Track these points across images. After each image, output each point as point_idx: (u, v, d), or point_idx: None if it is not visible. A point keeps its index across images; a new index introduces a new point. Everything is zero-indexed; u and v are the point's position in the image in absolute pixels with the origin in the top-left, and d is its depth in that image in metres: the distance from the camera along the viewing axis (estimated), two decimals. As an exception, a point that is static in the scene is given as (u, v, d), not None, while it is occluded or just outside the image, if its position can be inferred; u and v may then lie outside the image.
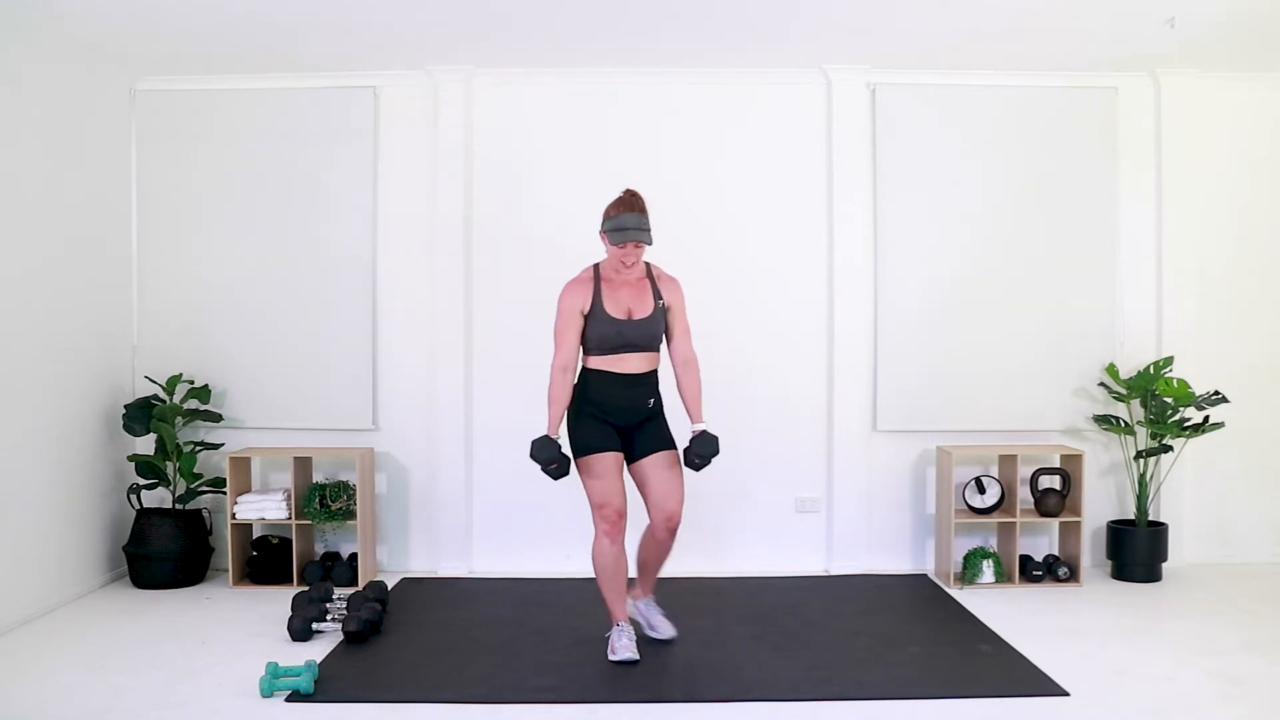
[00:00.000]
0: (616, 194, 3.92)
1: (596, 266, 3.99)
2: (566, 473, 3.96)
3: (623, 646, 3.93)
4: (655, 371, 4.00)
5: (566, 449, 3.97)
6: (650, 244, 3.86)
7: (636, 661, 3.89)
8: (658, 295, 3.94)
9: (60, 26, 4.64)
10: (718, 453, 3.94)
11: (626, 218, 3.80)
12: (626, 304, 3.90)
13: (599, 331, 3.89)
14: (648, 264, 3.99)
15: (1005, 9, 4.50)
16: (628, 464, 4.01)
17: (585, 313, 3.91)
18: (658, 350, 3.99)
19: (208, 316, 5.41)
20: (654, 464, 3.95)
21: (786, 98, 5.40)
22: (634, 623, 4.11)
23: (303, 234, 5.39)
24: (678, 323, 4.00)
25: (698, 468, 3.96)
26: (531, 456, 3.90)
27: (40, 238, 4.65)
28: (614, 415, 3.94)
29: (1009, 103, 5.39)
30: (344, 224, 5.39)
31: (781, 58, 5.21)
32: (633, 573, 4.19)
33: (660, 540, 4.02)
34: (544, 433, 3.93)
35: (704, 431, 3.95)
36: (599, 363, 3.94)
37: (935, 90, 5.38)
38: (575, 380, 3.98)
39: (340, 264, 5.39)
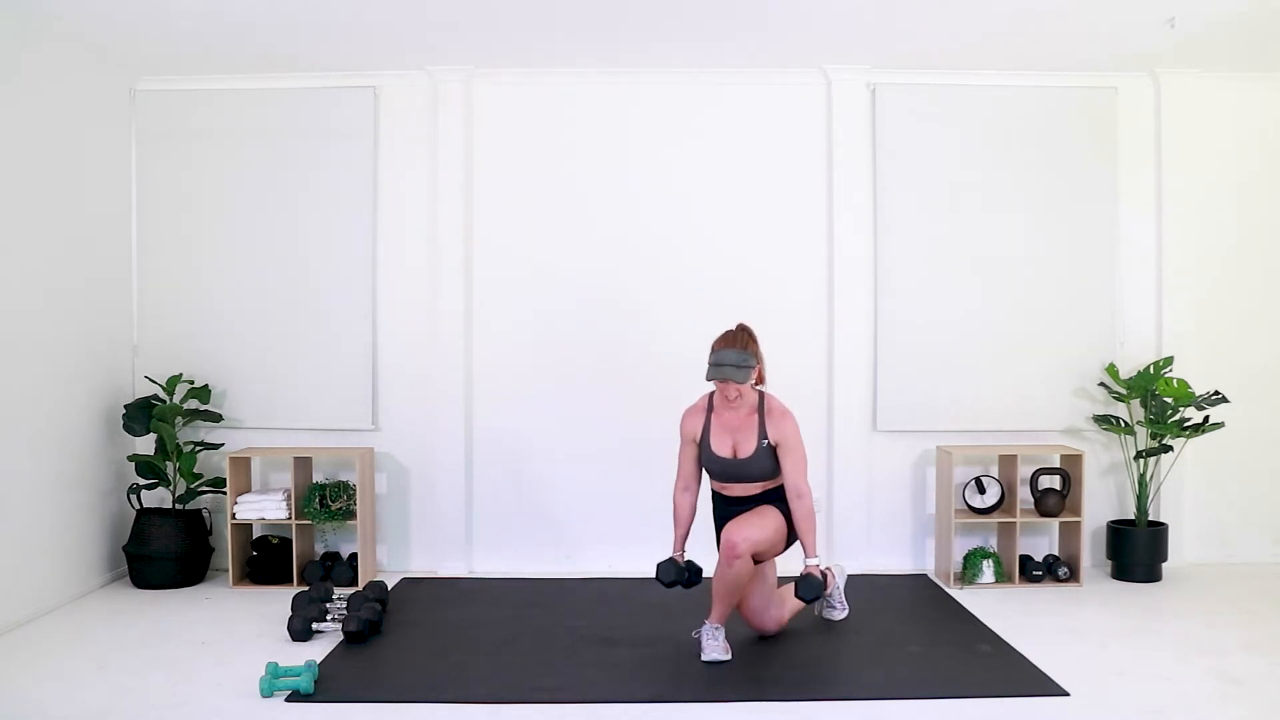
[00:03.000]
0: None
1: (712, 394, 4.06)
2: (697, 581, 4.11)
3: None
4: (771, 489, 4.04)
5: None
6: (745, 382, 3.88)
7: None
8: (763, 433, 3.96)
9: (60, 27, 4.65)
10: (819, 596, 3.93)
11: (725, 354, 3.87)
12: (732, 441, 3.99)
13: (708, 464, 4.05)
14: (762, 394, 4.03)
15: (1005, 9, 4.50)
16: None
17: (697, 441, 4.04)
18: (773, 478, 4.02)
19: (208, 316, 5.41)
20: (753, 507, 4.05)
21: (786, 98, 5.40)
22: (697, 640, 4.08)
23: (303, 234, 5.39)
24: (788, 457, 3.97)
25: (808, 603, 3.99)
26: (657, 579, 4.03)
27: (40, 238, 4.65)
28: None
29: (1009, 103, 5.39)
30: (344, 224, 5.39)
31: (781, 58, 5.21)
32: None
33: (720, 565, 3.96)
34: (669, 553, 4.11)
35: (807, 574, 3.90)
36: (715, 485, 4.12)
37: (935, 90, 5.38)
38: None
39: (340, 264, 5.39)
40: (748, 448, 3.97)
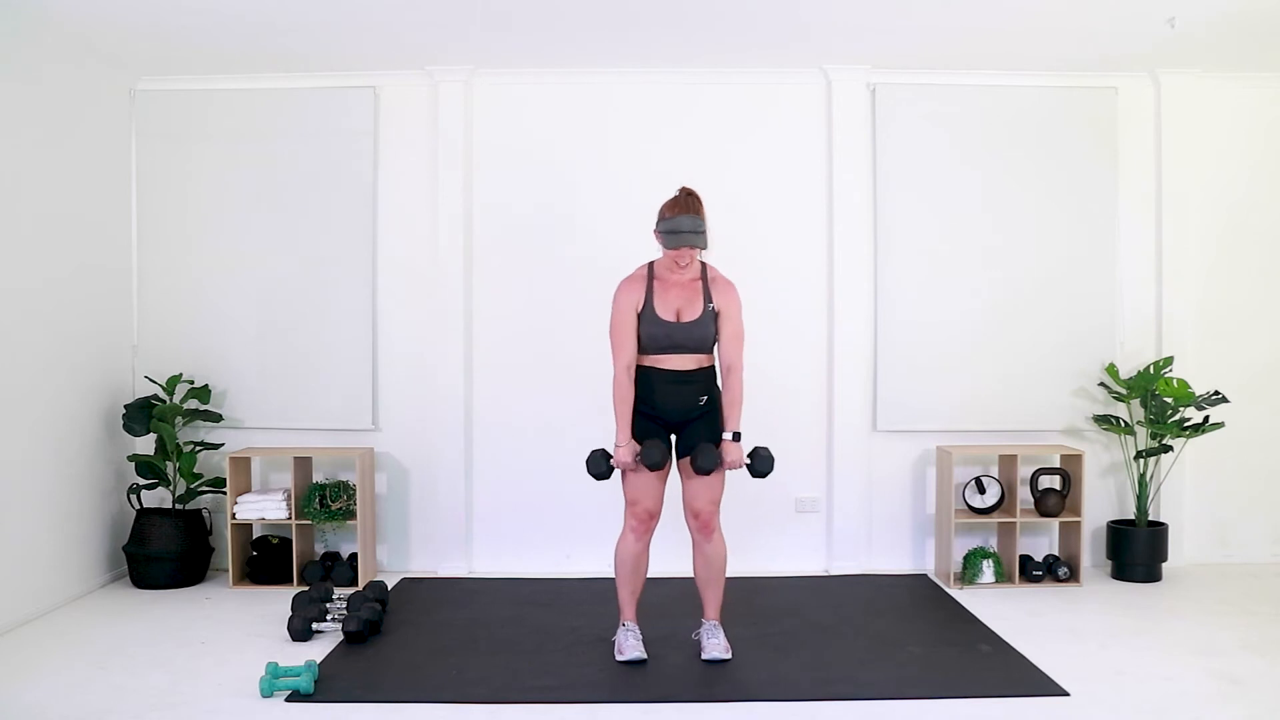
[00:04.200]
0: (672, 192, 3.87)
1: (651, 265, 3.95)
2: (610, 475, 3.92)
3: (630, 646, 3.92)
4: (707, 369, 3.93)
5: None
6: (704, 248, 3.82)
7: (644, 661, 3.89)
8: (709, 298, 3.87)
9: (60, 26, 4.65)
10: (711, 469, 3.81)
11: (681, 220, 3.76)
12: (676, 305, 3.86)
13: (648, 331, 3.87)
14: (704, 264, 3.95)
15: (1005, 9, 4.50)
16: (676, 459, 3.98)
17: (638, 312, 3.89)
18: (709, 352, 3.93)
19: (208, 316, 5.41)
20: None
21: (786, 98, 5.40)
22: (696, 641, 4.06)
23: (303, 234, 5.39)
24: (726, 327, 3.89)
25: (752, 474, 3.92)
26: (648, 464, 3.81)
27: (40, 238, 4.65)
28: (663, 412, 3.90)
29: (1009, 103, 5.39)
30: (344, 224, 5.39)
31: (781, 58, 5.21)
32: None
33: (698, 545, 3.97)
34: (614, 439, 3.90)
35: (704, 445, 3.83)
36: (647, 360, 3.91)
37: (935, 90, 5.38)
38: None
39: (340, 264, 5.39)
40: (693, 312, 3.84)
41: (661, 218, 3.82)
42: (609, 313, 3.92)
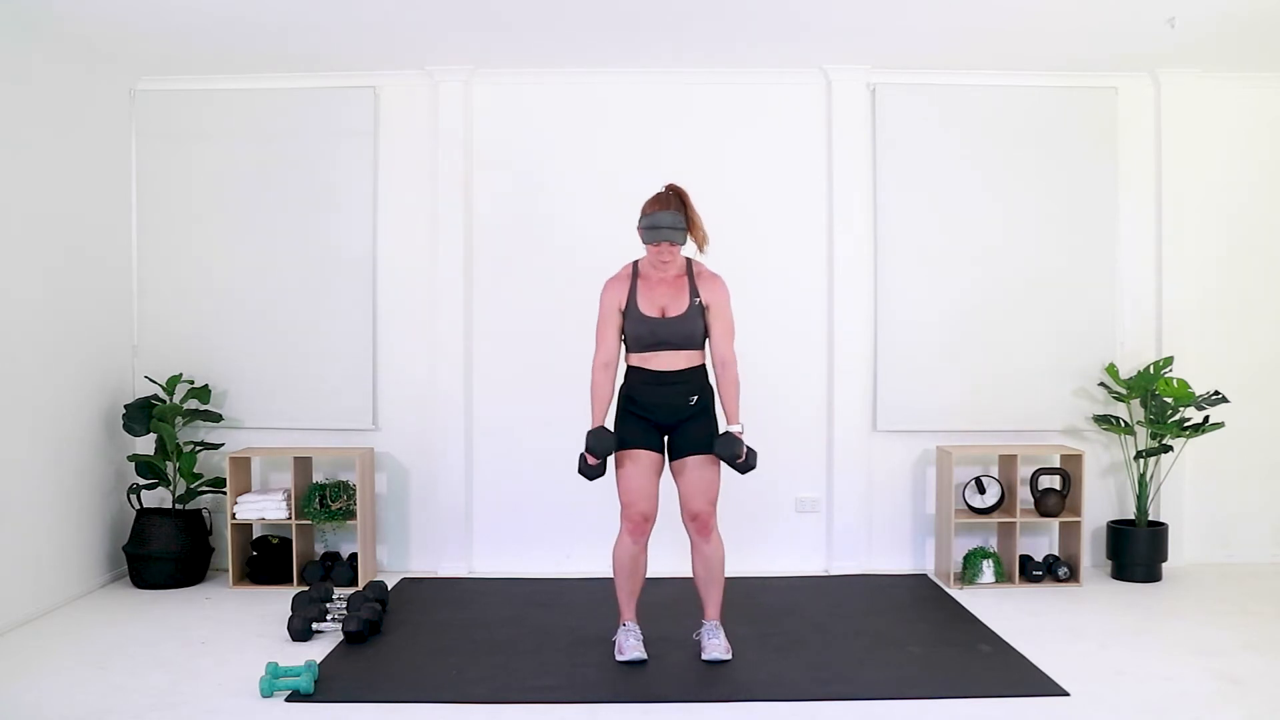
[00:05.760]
0: (655, 189, 3.87)
1: (636, 263, 3.96)
2: (603, 473, 3.94)
3: (630, 647, 3.92)
4: (697, 368, 3.91)
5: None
6: (683, 244, 3.82)
7: (644, 661, 3.89)
8: (695, 293, 3.87)
9: (60, 26, 4.64)
10: (739, 456, 3.82)
11: (661, 216, 3.75)
12: (661, 302, 3.86)
13: (633, 329, 3.87)
14: (689, 260, 3.94)
15: (1005, 8, 4.50)
16: (669, 461, 3.97)
17: (622, 309, 3.89)
18: (699, 348, 3.91)
19: (208, 316, 5.41)
20: (688, 464, 3.91)
21: (786, 98, 5.40)
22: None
23: (303, 234, 5.39)
24: (717, 322, 3.89)
25: (740, 469, 3.88)
26: (589, 449, 3.87)
27: (40, 238, 4.65)
28: (654, 412, 3.89)
29: (1009, 103, 5.39)
30: (344, 224, 5.39)
31: (781, 58, 5.21)
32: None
33: (697, 547, 3.97)
34: (593, 427, 3.92)
35: (725, 433, 3.87)
36: (636, 359, 3.91)
37: (935, 90, 5.38)
38: (619, 377, 3.97)
39: (340, 264, 5.39)
40: (678, 307, 3.84)
41: (643, 214, 3.83)
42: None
